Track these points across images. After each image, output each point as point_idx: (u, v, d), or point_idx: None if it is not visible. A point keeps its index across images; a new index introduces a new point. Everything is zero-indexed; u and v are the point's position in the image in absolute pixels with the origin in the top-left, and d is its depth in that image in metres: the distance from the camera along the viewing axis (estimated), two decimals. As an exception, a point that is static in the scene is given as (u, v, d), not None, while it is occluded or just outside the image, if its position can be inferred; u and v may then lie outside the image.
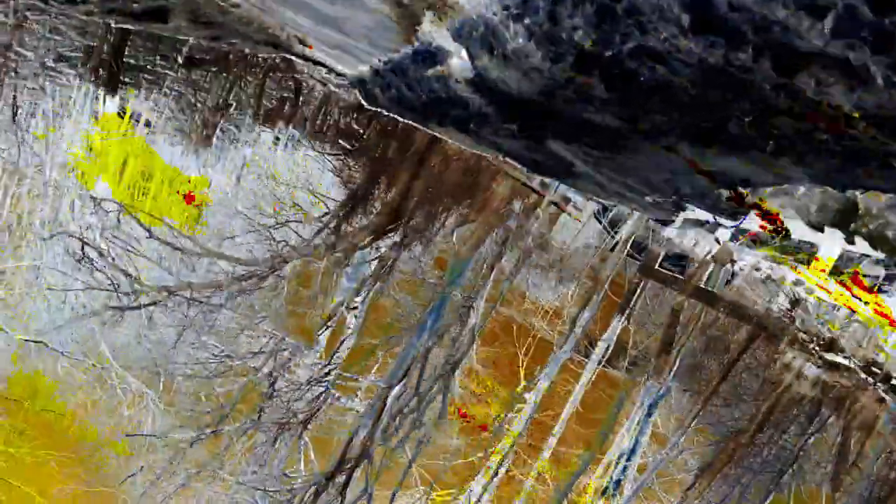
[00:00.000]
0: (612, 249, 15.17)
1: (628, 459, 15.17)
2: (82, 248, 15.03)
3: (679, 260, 14.43)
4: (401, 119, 11.11)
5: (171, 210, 15.50)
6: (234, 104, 15.30)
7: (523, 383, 15.69)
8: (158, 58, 14.98)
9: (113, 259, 14.90)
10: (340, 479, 15.67)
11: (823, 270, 9.99)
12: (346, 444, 15.80)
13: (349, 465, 15.67)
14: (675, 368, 14.85)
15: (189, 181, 15.37)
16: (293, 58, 12.03)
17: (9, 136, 14.83)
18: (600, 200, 13.28)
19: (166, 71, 14.95)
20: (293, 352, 15.95)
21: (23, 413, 15.73)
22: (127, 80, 14.92)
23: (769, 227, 14.68)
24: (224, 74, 15.06)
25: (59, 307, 15.64)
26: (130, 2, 11.31)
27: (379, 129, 15.69)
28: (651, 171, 7.72)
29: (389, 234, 15.81)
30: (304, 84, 15.02)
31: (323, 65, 11.43)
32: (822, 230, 7.73)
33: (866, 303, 11.79)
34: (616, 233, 14.92)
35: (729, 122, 5.10)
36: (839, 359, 13.15)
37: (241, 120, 15.46)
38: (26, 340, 15.56)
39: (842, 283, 10.33)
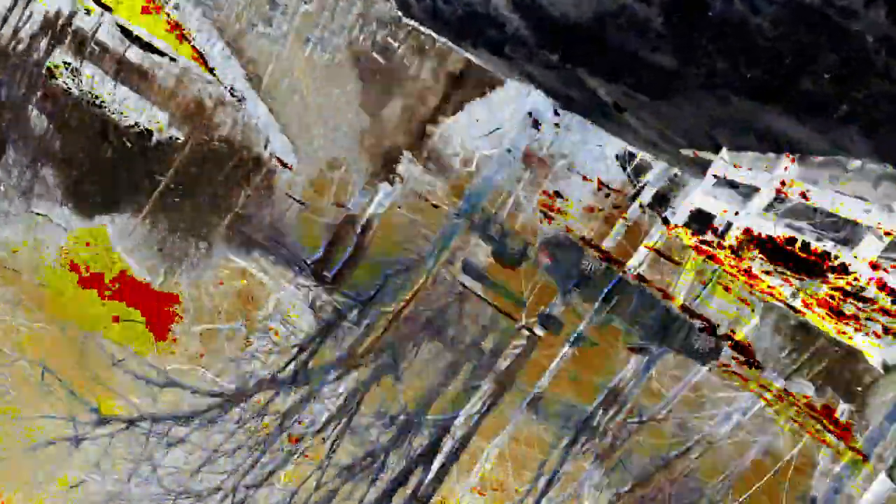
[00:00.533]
0: (634, 198, 14.45)
1: None
2: (42, 374, 14.70)
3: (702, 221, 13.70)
4: (435, 35, 10.59)
5: (138, 336, 15.26)
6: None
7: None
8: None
9: (71, 389, 14.53)
10: None
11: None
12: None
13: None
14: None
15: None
16: None
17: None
18: (628, 148, 12.67)
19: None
20: (253, 486, 15.32)
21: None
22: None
23: (741, 358, 14.33)
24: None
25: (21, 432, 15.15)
26: None
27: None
28: (692, 122, 6.84)
29: (359, 368, 15.47)
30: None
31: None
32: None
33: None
34: (640, 182, 14.15)
35: (801, 77, 4.33)
36: None
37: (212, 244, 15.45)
38: None
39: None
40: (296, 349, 15.42)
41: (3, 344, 14.65)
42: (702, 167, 8.28)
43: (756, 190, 6.96)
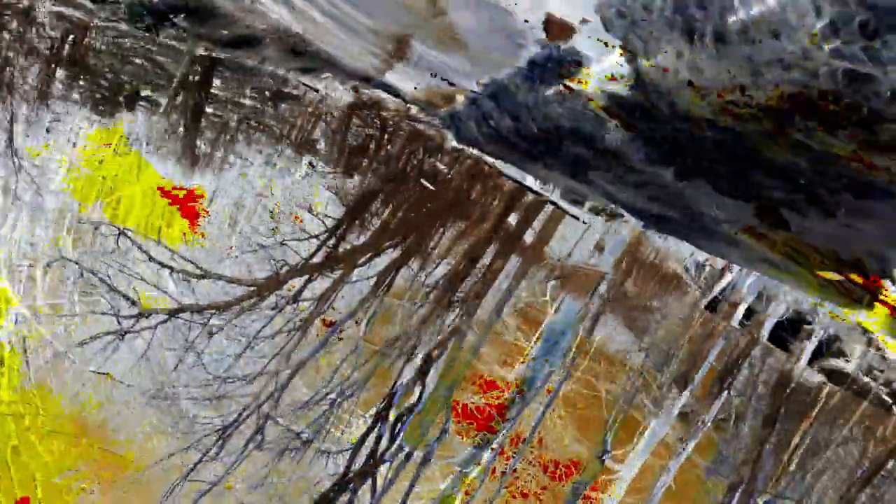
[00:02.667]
0: (712, 309, 13.98)
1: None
2: (80, 274, 15.06)
3: (790, 329, 13.41)
4: (491, 161, 9.85)
5: (169, 228, 15.51)
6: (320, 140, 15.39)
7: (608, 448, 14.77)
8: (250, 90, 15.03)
9: (111, 284, 14.92)
10: (344, 497, 15.61)
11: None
12: (349, 460, 15.74)
13: (352, 482, 15.62)
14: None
15: (183, 189, 15.38)
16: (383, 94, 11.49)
17: (6, 163, 14.88)
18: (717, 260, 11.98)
19: (255, 104, 15.04)
20: (294, 368, 15.91)
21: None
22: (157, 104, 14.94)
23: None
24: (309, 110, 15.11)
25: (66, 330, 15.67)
26: (219, 29, 11.18)
27: (377, 147, 15.61)
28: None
29: (388, 251, 15.73)
30: (389, 122, 14.88)
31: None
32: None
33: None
34: (722, 296, 13.71)
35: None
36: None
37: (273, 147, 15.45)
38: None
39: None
40: (324, 234, 15.67)
41: (40, 246, 14.97)
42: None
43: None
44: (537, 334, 15.29)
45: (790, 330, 13.12)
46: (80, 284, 15.10)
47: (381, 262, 15.86)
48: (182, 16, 10.53)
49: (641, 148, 6.00)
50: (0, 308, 14.83)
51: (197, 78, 14.76)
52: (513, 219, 15.44)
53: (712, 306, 13.79)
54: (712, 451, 14.37)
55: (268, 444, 15.75)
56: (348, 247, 15.71)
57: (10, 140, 14.58)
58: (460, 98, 8.19)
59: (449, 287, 15.78)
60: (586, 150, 6.59)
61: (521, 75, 6.01)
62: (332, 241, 15.78)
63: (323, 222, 15.79)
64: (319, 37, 9.43)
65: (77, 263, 14.97)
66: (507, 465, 14.89)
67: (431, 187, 13.25)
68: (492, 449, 14.91)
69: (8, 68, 14.60)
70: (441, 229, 15.68)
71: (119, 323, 15.17)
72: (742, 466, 14.07)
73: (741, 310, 13.62)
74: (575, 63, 5.44)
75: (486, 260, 15.73)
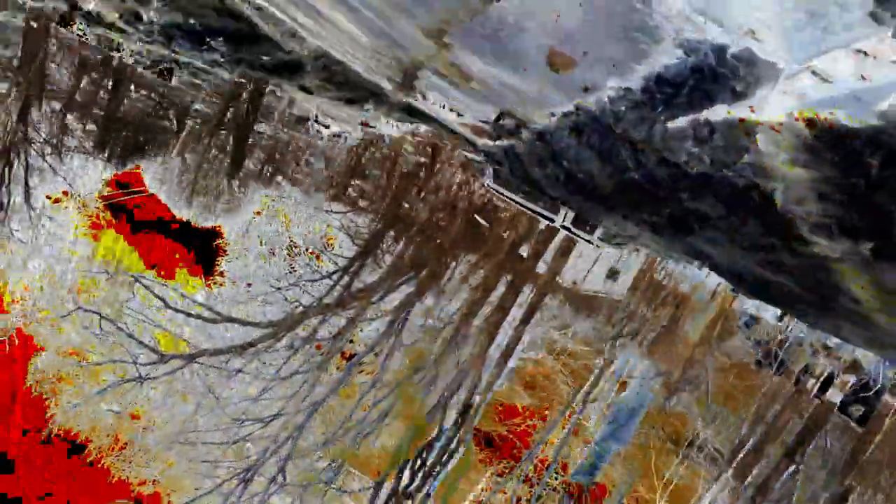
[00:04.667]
0: (778, 369, 13.50)
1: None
2: (99, 323, 15.19)
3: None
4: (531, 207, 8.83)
5: (185, 277, 15.70)
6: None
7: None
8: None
9: (129, 332, 15.05)
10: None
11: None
12: (371, 500, 15.72)
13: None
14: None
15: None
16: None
17: (22, 218, 15.09)
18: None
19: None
20: (312, 407, 15.96)
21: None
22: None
23: None
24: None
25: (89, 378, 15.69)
26: (260, 54, 10.45)
27: (385, 184, 15.93)
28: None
29: (401, 287, 15.92)
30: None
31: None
32: None
33: None
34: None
35: None
36: None
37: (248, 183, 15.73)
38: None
39: None
40: (337, 274, 15.87)
41: (59, 294, 15.11)
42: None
43: None
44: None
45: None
46: (100, 330, 15.21)
47: (396, 296, 16.03)
48: (220, 39, 10.12)
49: (833, 212, 3.84)
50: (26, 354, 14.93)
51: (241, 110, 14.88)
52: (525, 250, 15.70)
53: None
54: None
55: (289, 484, 15.73)
56: (361, 285, 15.91)
57: (27, 192, 14.82)
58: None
59: (466, 318, 15.97)
60: (719, 207, 4.39)
61: (632, 98, 4.11)
62: (345, 280, 15.98)
63: (335, 262, 16.01)
64: (362, 62, 9.02)
65: (97, 313, 15.10)
66: (531, 492, 14.91)
67: (486, 223, 13.19)
68: (516, 477, 14.94)
69: (20, 124, 14.90)
70: (454, 262, 15.92)
71: (137, 370, 15.25)
72: None
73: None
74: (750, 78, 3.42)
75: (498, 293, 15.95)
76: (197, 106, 15.04)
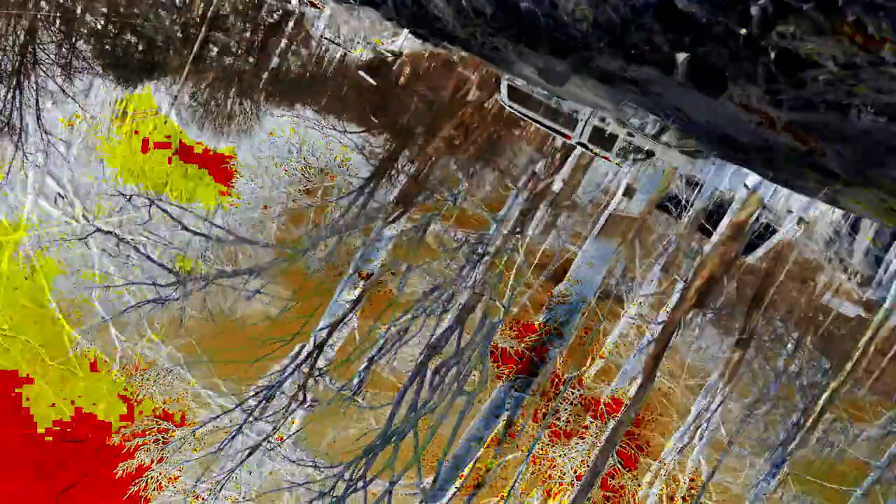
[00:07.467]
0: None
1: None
2: (117, 245, 15.30)
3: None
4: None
5: (202, 193, 15.70)
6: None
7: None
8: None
9: (147, 254, 15.16)
10: (389, 448, 15.93)
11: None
12: (390, 418, 16.04)
13: (395, 434, 15.93)
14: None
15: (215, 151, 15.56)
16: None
17: (35, 141, 15.05)
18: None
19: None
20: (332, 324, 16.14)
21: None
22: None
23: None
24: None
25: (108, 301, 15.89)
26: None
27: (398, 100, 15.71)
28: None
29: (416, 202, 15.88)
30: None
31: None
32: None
33: None
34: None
35: None
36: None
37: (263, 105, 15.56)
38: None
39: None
40: (353, 194, 15.83)
41: (76, 216, 15.19)
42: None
43: None
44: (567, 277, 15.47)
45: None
46: (118, 253, 15.34)
47: (411, 214, 15.99)
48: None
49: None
50: (45, 283, 15.12)
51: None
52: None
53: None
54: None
55: (310, 402, 16.06)
56: (377, 205, 15.88)
57: (38, 116, 14.73)
58: None
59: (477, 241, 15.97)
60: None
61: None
62: (361, 200, 15.95)
63: (350, 183, 15.95)
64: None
65: (114, 234, 15.19)
66: (548, 406, 15.16)
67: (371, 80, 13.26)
68: (532, 391, 15.18)
69: (30, 46, 14.71)
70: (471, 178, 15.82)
71: (158, 292, 15.42)
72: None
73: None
74: None
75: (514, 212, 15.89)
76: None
